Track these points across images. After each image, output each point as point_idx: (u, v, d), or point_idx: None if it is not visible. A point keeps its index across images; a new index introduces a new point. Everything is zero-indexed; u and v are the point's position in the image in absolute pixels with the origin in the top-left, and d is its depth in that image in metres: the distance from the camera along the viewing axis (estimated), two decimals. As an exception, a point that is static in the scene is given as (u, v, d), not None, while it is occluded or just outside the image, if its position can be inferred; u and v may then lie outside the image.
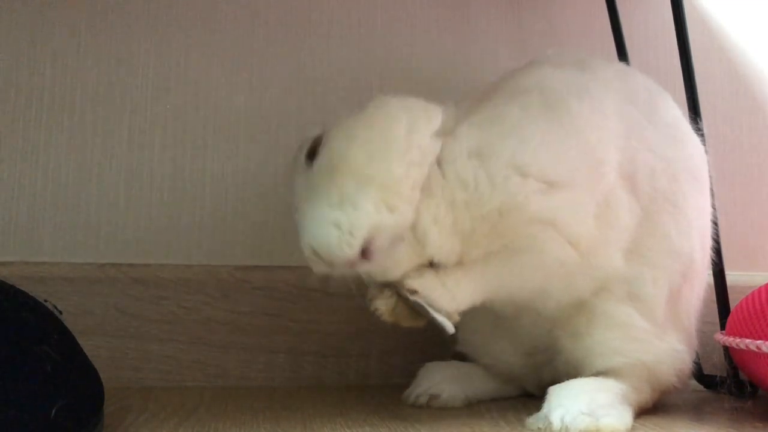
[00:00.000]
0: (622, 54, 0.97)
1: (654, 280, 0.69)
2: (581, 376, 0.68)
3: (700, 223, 0.74)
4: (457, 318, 0.62)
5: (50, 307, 0.57)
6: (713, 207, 0.79)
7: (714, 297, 0.85)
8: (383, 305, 0.62)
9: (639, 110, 0.71)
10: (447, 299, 0.61)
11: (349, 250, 0.57)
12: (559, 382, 0.66)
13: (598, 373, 0.68)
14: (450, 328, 0.62)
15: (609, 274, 0.66)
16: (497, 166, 0.61)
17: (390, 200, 0.59)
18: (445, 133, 0.64)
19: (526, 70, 0.72)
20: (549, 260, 0.63)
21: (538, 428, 0.61)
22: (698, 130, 0.80)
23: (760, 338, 0.67)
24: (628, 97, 0.71)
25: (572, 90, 0.67)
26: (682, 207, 0.70)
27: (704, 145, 0.79)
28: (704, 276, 0.77)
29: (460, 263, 0.63)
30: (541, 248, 0.63)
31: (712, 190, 0.79)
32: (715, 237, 0.82)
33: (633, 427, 0.63)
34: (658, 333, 0.69)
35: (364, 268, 0.60)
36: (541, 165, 0.61)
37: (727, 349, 0.78)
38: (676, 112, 0.77)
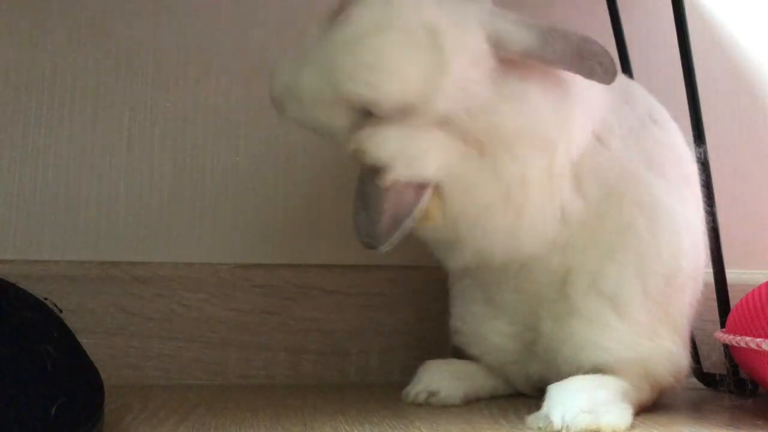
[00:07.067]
0: (622, 54, 0.97)
1: (617, 275, 0.69)
2: (568, 372, 0.68)
3: (691, 227, 0.74)
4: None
5: (50, 305, 0.57)
6: (713, 207, 0.80)
7: (714, 295, 0.85)
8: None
9: (637, 118, 0.74)
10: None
11: None
12: (548, 382, 0.66)
13: (587, 370, 0.68)
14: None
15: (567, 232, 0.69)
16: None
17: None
18: None
19: None
20: (519, 163, 0.65)
21: (539, 427, 0.61)
22: (699, 128, 0.80)
23: (760, 336, 0.67)
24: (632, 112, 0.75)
25: None
26: (668, 216, 0.71)
27: (704, 150, 0.80)
28: (699, 277, 0.76)
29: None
30: (515, 153, 0.65)
31: (712, 189, 0.80)
32: (715, 236, 0.82)
33: (633, 425, 0.63)
34: (645, 333, 0.69)
35: None
36: None
37: (727, 347, 0.78)
38: (673, 131, 0.78)
